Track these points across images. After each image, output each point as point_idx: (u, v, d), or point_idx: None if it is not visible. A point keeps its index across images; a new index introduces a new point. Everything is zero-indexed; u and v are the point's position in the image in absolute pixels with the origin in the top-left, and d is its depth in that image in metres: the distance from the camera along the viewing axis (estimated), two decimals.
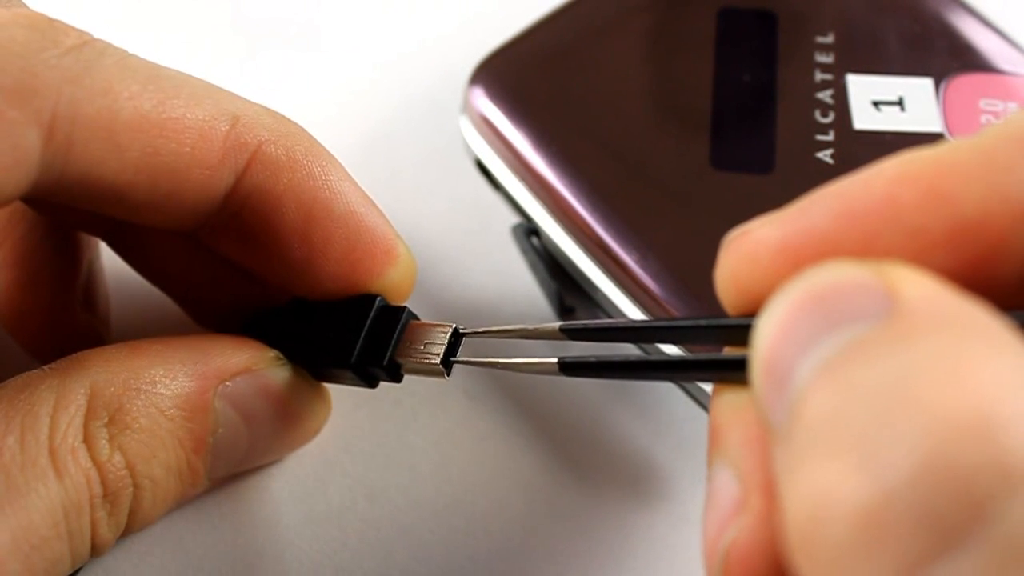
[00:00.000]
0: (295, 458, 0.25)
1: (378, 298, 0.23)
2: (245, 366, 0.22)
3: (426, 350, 0.22)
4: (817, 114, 0.25)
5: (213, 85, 0.21)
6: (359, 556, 0.24)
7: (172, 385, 0.21)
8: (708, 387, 0.24)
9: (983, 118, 0.25)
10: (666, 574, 0.24)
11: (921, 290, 0.14)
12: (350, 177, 0.22)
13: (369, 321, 0.22)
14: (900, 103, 0.25)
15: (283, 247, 0.22)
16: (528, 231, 0.27)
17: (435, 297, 0.28)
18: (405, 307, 0.23)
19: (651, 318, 0.24)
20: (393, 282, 0.23)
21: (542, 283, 0.27)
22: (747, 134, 0.25)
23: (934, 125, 0.25)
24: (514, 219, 0.27)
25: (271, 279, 0.23)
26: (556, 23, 0.27)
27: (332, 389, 0.25)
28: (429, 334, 0.22)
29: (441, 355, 0.22)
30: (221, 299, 0.24)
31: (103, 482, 0.20)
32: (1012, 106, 0.25)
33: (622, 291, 0.24)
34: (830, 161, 0.25)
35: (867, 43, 0.26)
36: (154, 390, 0.21)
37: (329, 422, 0.25)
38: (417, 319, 0.23)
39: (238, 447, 0.23)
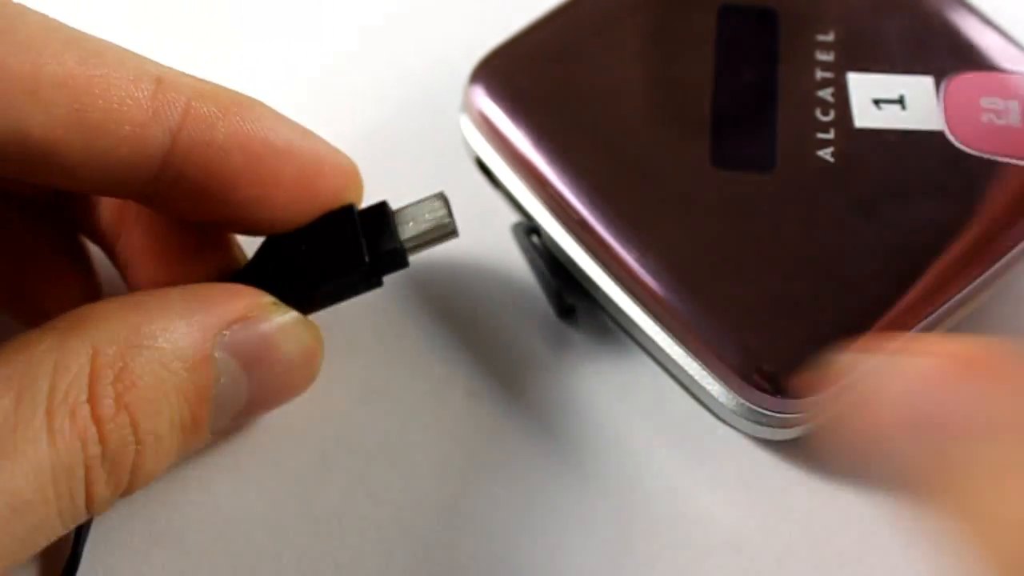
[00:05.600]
0: (295, 456, 0.25)
1: (351, 205, 0.24)
2: (242, 314, 0.22)
3: (427, 220, 0.24)
4: (818, 112, 0.25)
5: (133, 51, 0.21)
6: (359, 555, 0.24)
7: (173, 339, 0.21)
8: (711, 387, 0.24)
9: (984, 116, 0.25)
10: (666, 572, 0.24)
11: None
12: (280, 114, 0.23)
13: (359, 224, 0.23)
14: (901, 101, 0.25)
15: (235, 193, 0.22)
16: (528, 229, 0.27)
17: (434, 295, 0.28)
18: (384, 201, 0.24)
19: None
20: (346, 194, 0.24)
21: (542, 281, 0.27)
22: (748, 132, 0.25)
23: (935, 123, 0.25)
24: (514, 217, 0.27)
25: (231, 227, 0.24)
26: (556, 21, 0.27)
27: (334, 381, 0.25)
28: (418, 209, 0.24)
29: (447, 214, 0.24)
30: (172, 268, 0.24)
31: (103, 441, 0.20)
32: (1013, 104, 0.25)
33: (622, 289, 0.24)
34: (831, 159, 0.25)
35: (868, 41, 0.26)
36: (155, 345, 0.21)
37: (329, 420, 0.25)
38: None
39: (239, 397, 0.22)
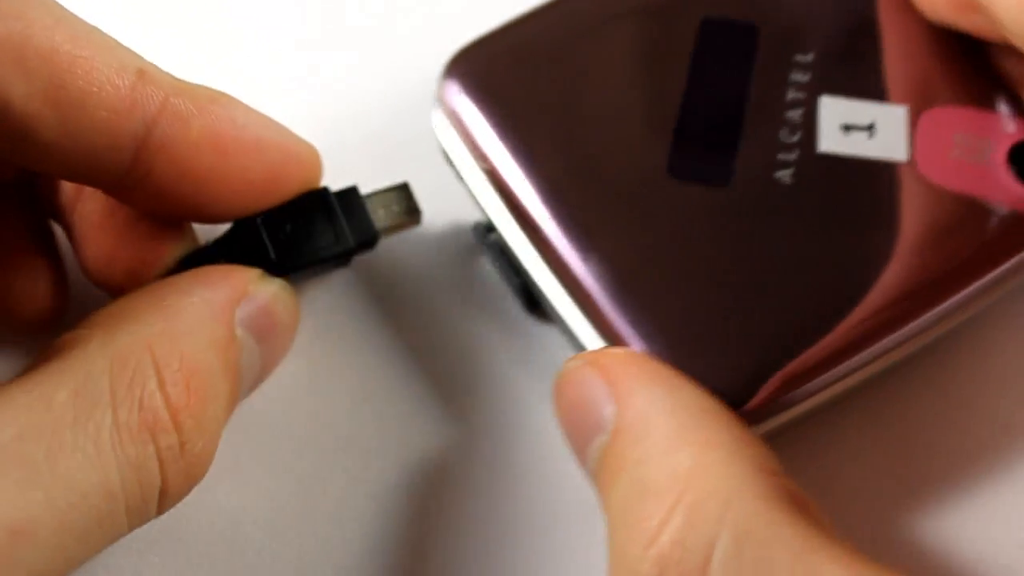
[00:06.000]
0: (295, 455, 0.25)
1: (325, 188, 0.25)
2: (245, 290, 0.23)
3: (395, 207, 0.26)
4: (784, 133, 0.25)
5: (121, 42, 0.22)
6: (359, 554, 0.24)
7: (206, 325, 0.22)
8: None
9: (954, 152, 0.25)
10: None
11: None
12: (251, 108, 0.24)
13: (338, 207, 0.25)
14: (870, 129, 0.25)
15: (203, 189, 0.23)
16: (487, 228, 0.27)
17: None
18: (354, 186, 0.25)
19: None
20: (308, 183, 0.25)
21: (506, 279, 0.27)
22: (709, 146, 0.25)
23: (901, 154, 0.25)
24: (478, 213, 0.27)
25: (195, 219, 0.24)
26: (536, 20, 0.27)
27: (331, 385, 0.25)
28: (386, 197, 0.26)
29: (414, 202, 0.26)
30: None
31: (179, 430, 0.20)
32: (986, 143, 0.25)
33: (566, 292, 0.24)
34: (788, 181, 0.24)
35: (847, 66, 0.26)
36: (196, 333, 0.21)
37: (329, 419, 0.26)
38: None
39: (255, 369, 0.23)
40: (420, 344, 0.27)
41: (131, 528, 0.20)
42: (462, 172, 0.26)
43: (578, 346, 0.24)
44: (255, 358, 0.23)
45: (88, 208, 0.24)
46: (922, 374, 0.26)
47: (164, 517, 0.24)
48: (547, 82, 0.26)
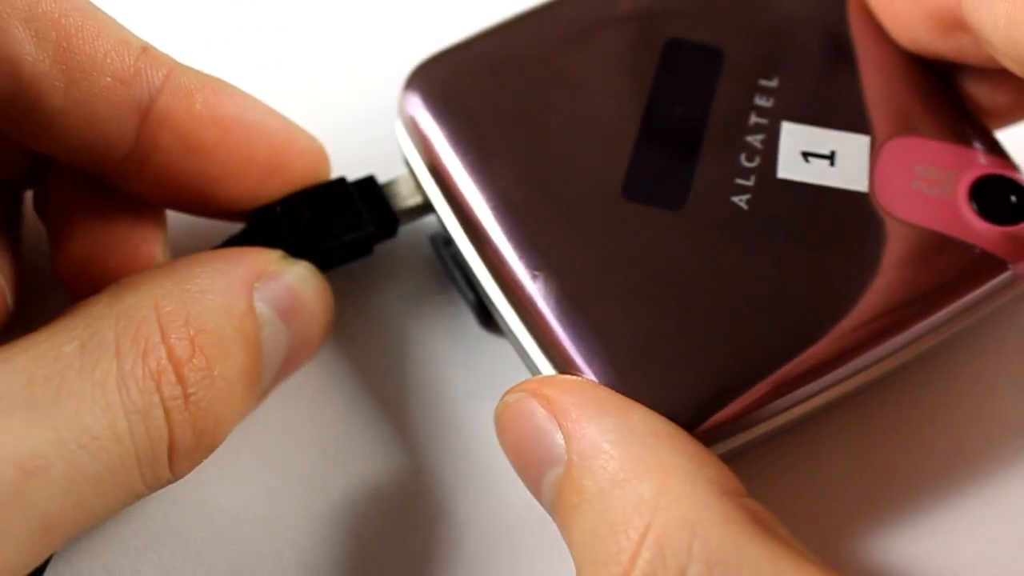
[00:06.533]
0: (296, 455, 0.25)
1: (342, 177, 0.26)
2: (265, 268, 0.23)
3: (414, 194, 0.26)
4: (743, 157, 0.25)
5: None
6: (360, 554, 0.24)
7: (219, 292, 0.22)
8: None
9: (914, 183, 0.24)
10: None
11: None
12: (252, 96, 0.24)
13: (356, 195, 0.25)
14: (831, 157, 0.25)
15: (208, 166, 0.23)
16: (445, 240, 0.26)
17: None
18: (371, 175, 0.26)
19: None
20: (316, 174, 0.25)
21: (460, 291, 0.27)
22: (664, 168, 0.24)
23: (860, 184, 0.24)
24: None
25: (202, 208, 0.24)
26: (500, 35, 0.26)
27: (332, 381, 0.25)
28: (399, 185, 0.26)
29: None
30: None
31: (182, 382, 0.20)
32: (949, 176, 0.24)
33: (513, 309, 0.24)
34: (744, 207, 0.24)
35: (812, 93, 0.26)
36: (207, 298, 0.21)
37: (330, 419, 0.26)
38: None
39: (280, 349, 0.23)
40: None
41: (145, 484, 0.20)
42: (421, 182, 0.26)
43: (529, 362, 0.24)
44: (281, 337, 0.23)
45: (71, 208, 0.24)
46: (919, 374, 0.26)
47: (164, 516, 0.24)
48: (508, 97, 0.25)
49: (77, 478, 0.18)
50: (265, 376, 0.22)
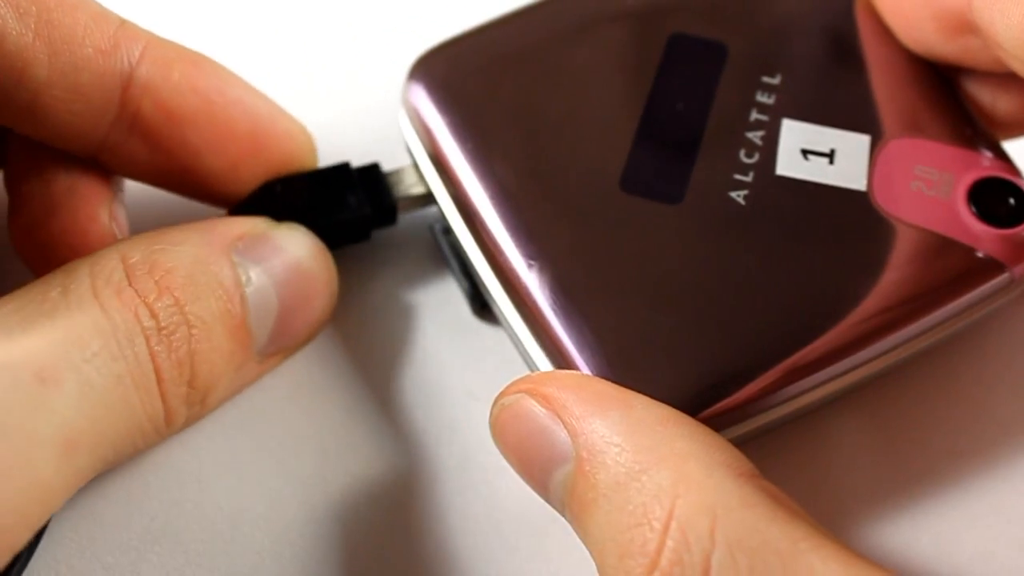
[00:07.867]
0: (296, 455, 0.25)
1: (346, 163, 0.26)
2: (247, 230, 0.23)
3: (415, 184, 0.26)
4: (742, 153, 0.25)
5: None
6: (360, 555, 0.24)
7: (192, 242, 0.22)
8: None
9: (913, 184, 0.24)
10: None
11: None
12: (234, 73, 0.25)
13: (357, 179, 0.26)
14: (831, 155, 0.25)
15: (190, 136, 0.24)
16: (444, 229, 0.26)
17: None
18: (376, 162, 0.26)
19: None
20: (301, 159, 0.25)
21: (457, 280, 0.27)
22: (664, 162, 0.24)
23: (858, 183, 0.24)
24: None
25: (186, 187, 0.25)
26: (504, 26, 0.27)
27: (332, 381, 0.25)
28: (402, 175, 0.27)
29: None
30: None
31: (154, 316, 0.21)
32: (947, 177, 0.24)
33: (509, 298, 0.24)
34: (741, 202, 0.24)
35: (813, 90, 0.26)
36: (178, 247, 0.22)
37: (330, 419, 0.26)
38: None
39: (269, 303, 0.23)
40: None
41: (146, 415, 0.21)
42: (423, 172, 0.26)
43: (523, 352, 0.24)
44: (268, 291, 0.23)
45: (28, 177, 0.25)
46: (920, 374, 0.26)
47: (164, 517, 0.24)
48: (510, 88, 0.26)
49: (88, 392, 0.19)
50: (257, 330, 0.23)
